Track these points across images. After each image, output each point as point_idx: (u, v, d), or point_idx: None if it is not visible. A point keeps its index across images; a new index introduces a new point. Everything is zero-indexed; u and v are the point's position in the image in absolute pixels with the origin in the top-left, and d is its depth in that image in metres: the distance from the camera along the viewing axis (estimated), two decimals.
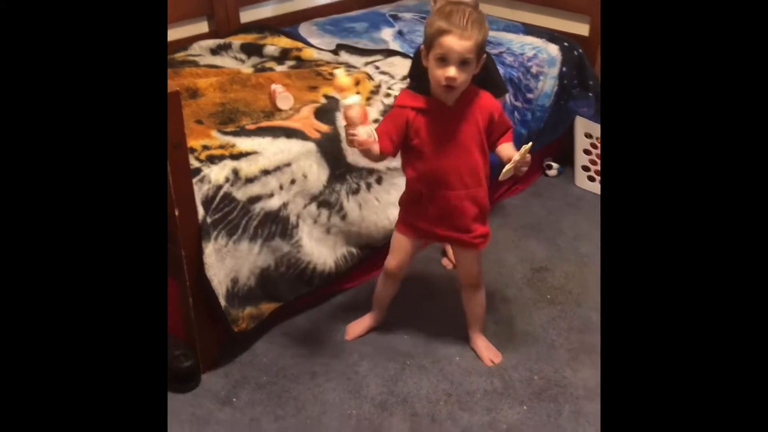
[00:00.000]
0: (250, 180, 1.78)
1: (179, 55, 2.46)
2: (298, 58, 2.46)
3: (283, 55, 2.48)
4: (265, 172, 1.81)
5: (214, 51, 2.53)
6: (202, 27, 2.68)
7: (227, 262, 1.78)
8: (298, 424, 1.73)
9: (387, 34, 2.73)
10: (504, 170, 1.56)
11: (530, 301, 2.17)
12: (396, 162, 2.12)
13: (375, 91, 2.18)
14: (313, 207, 1.94)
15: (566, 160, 2.92)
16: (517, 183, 2.80)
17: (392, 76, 2.30)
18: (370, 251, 2.16)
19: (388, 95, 2.14)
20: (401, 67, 2.34)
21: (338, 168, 1.97)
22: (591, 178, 2.81)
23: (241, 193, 1.77)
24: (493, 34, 2.71)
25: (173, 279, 1.73)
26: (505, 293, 2.20)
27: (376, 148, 1.56)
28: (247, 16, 2.78)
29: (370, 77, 2.27)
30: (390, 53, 2.49)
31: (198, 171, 1.70)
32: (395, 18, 2.89)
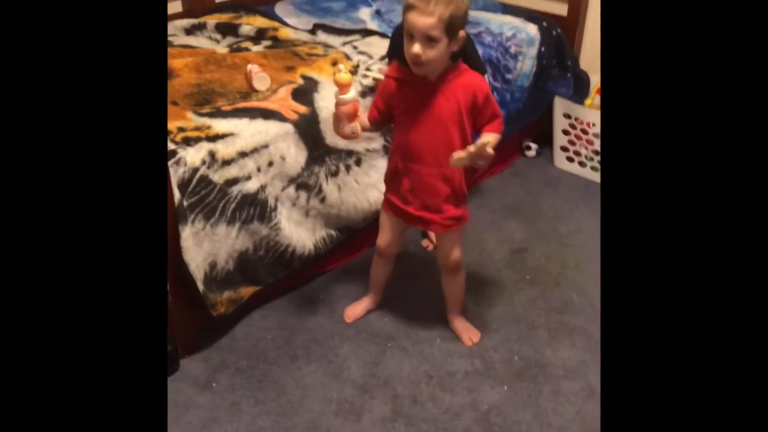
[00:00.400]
0: (227, 162, 1.75)
1: None
2: (275, 38, 2.41)
3: (259, 35, 2.43)
4: (242, 154, 1.78)
5: (189, 31, 2.48)
6: (176, 6, 2.63)
7: (205, 246, 1.75)
8: (278, 408, 1.72)
9: (365, 13, 2.69)
10: (455, 156, 1.52)
11: (510, 282, 2.17)
12: (375, 143, 2.11)
13: (353, 71, 2.14)
14: (291, 189, 1.92)
15: (545, 140, 2.92)
16: (495, 164, 2.79)
17: (370, 56, 2.26)
18: (349, 234, 2.14)
19: (365, 76, 2.11)
20: (379, 47, 2.31)
21: (317, 150, 1.94)
22: (570, 159, 2.82)
23: (218, 176, 1.74)
24: (471, 14, 2.65)
25: None
26: (485, 274, 2.20)
27: (357, 137, 1.65)
28: None
29: (348, 57, 2.24)
30: (368, 33, 2.45)
31: (174, 153, 1.67)
32: None
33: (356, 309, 2.02)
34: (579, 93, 2.76)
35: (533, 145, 2.93)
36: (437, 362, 1.86)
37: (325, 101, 1.96)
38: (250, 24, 2.49)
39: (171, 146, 1.68)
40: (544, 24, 2.68)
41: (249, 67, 2.05)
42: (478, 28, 2.55)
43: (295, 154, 1.89)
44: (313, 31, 2.49)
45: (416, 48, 1.50)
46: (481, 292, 2.12)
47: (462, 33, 1.54)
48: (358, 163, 2.07)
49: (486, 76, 2.32)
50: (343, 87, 1.54)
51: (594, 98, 2.72)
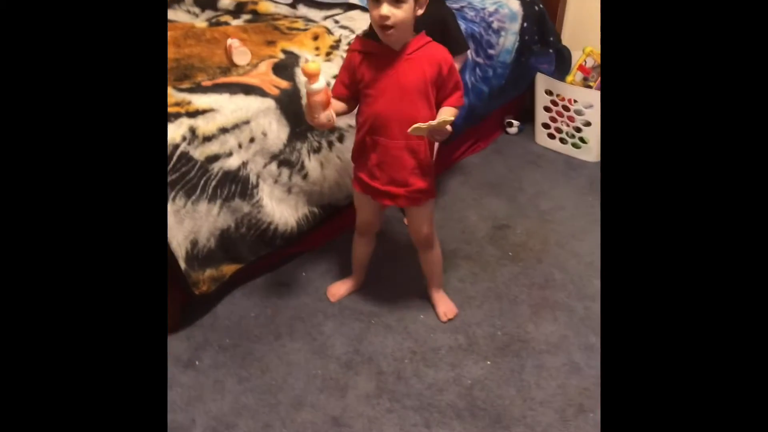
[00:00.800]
0: (207, 138, 1.72)
1: None
2: (254, 12, 2.37)
3: (239, 9, 2.39)
4: (223, 131, 1.75)
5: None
6: None
7: (186, 224, 1.73)
8: (263, 385, 1.72)
9: None
10: (415, 125, 1.49)
11: (492, 258, 2.18)
12: None
13: (335, 46, 2.11)
14: (273, 166, 1.90)
15: (527, 117, 2.92)
16: (478, 141, 2.79)
17: (352, 31, 2.23)
18: (332, 211, 2.13)
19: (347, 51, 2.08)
20: (361, 21, 2.27)
21: (298, 126, 1.92)
22: (551, 136, 2.82)
23: (198, 152, 1.71)
24: None
25: None
26: (468, 251, 2.21)
27: (333, 125, 1.61)
28: None
29: (329, 32, 2.20)
30: (350, 7, 2.42)
31: None
32: None
33: (340, 288, 2.02)
34: (561, 69, 2.76)
35: (515, 122, 2.93)
36: (421, 338, 1.86)
37: None
38: None
39: None
40: None
41: (229, 41, 2.01)
42: (460, 3, 2.53)
43: (276, 130, 1.86)
44: (293, 5, 2.45)
45: (384, 9, 1.47)
46: (464, 267, 2.13)
47: None
48: (341, 139, 2.05)
49: (469, 52, 2.31)
50: (312, 77, 1.48)
51: (575, 74, 2.72)
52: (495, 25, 2.51)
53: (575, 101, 2.67)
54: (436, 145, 1.80)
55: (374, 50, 1.60)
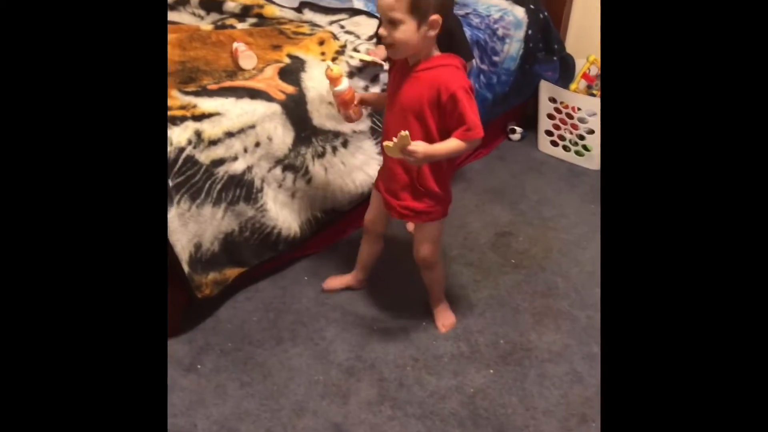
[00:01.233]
0: (213, 142, 1.72)
1: None
2: (260, 16, 2.37)
3: (244, 12, 2.39)
4: (229, 135, 1.75)
5: (171, 6, 2.42)
6: None
7: (190, 227, 1.73)
8: (264, 391, 1.71)
9: None
10: (386, 142, 1.50)
11: (495, 265, 2.18)
12: (362, 125, 2.09)
13: (340, 51, 2.11)
14: (278, 170, 1.90)
15: (530, 124, 2.92)
16: (481, 147, 2.79)
17: (358, 36, 2.23)
18: (335, 215, 2.13)
19: (352, 57, 2.08)
20: (367, 26, 2.28)
21: (304, 130, 1.92)
22: (554, 143, 2.82)
23: (204, 156, 1.71)
24: None
25: None
26: (470, 258, 2.21)
27: (360, 117, 1.75)
28: None
29: (335, 37, 2.20)
30: (355, 12, 2.42)
31: None
32: None
33: (335, 281, 2.03)
34: (564, 77, 2.76)
35: (518, 129, 2.93)
36: (423, 345, 1.86)
37: (313, 81, 1.94)
38: (234, 0, 2.43)
39: None
40: (532, 6, 2.67)
41: (235, 45, 2.01)
42: (465, 10, 2.53)
43: (282, 135, 1.86)
44: (299, 9, 2.45)
45: (381, 29, 1.50)
46: (466, 275, 2.13)
47: (435, 16, 1.46)
48: (345, 144, 2.05)
49: (473, 60, 2.31)
50: (334, 80, 1.65)
51: (579, 82, 2.72)
52: (500, 32, 2.52)
53: (579, 109, 2.67)
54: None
55: (396, 60, 1.61)
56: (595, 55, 2.70)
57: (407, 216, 1.73)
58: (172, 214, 1.66)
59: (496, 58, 2.52)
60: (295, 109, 1.89)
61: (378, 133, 2.11)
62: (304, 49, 2.09)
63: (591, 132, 2.68)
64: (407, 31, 1.46)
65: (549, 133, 2.82)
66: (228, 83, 1.88)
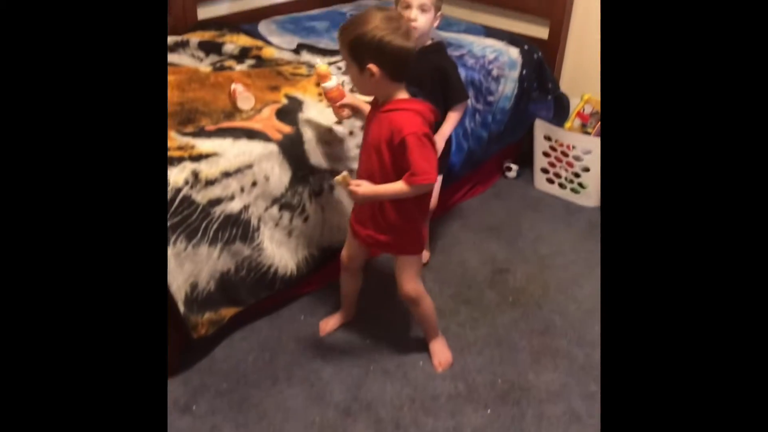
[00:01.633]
0: (210, 182, 1.73)
1: None
2: (258, 57, 2.41)
3: (243, 54, 2.43)
4: (226, 175, 1.77)
5: (171, 48, 2.46)
6: None
7: (186, 267, 1.73)
8: None
9: None
10: (337, 177, 1.62)
11: (492, 303, 2.18)
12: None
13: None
14: (274, 209, 1.91)
15: (525, 162, 2.95)
16: (477, 185, 2.81)
17: None
18: (331, 253, 2.13)
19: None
20: None
21: (301, 170, 1.93)
22: (550, 180, 2.84)
23: (201, 196, 1.72)
24: (454, 36, 2.71)
25: None
26: (467, 295, 2.21)
27: (349, 116, 1.85)
28: (204, 12, 2.72)
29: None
30: None
31: None
32: None
33: (329, 323, 2.03)
34: (559, 116, 2.79)
35: (514, 166, 2.95)
36: (420, 385, 1.85)
37: (310, 121, 1.96)
38: (233, 42, 2.48)
39: None
40: (526, 47, 2.72)
41: (233, 86, 2.04)
42: (460, 51, 2.57)
43: (278, 174, 1.88)
44: (297, 51, 2.49)
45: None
46: (463, 312, 2.12)
47: (370, 65, 1.53)
48: None
49: (468, 100, 2.34)
50: (323, 77, 1.75)
51: (574, 121, 2.75)
52: (494, 72, 2.55)
53: (574, 147, 2.69)
54: (434, 199, 1.90)
55: (372, 103, 1.71)
56: (590, 93, 2.74)
57: (372, 245, 1.78)
58: (169, 254, 1.66)
59: (491, 98, 2.55)
60: (292, 149, 1.90)
61: None
62: (301, 90, 2.12)
63: (587, 170, 2.70)
64: (353, 75, 1.61)
65: (545, 170, 2.84)
66: (226, 124, 1.90)
